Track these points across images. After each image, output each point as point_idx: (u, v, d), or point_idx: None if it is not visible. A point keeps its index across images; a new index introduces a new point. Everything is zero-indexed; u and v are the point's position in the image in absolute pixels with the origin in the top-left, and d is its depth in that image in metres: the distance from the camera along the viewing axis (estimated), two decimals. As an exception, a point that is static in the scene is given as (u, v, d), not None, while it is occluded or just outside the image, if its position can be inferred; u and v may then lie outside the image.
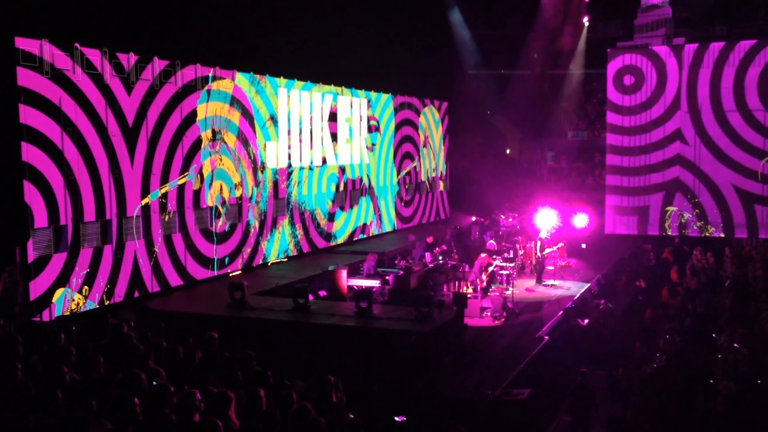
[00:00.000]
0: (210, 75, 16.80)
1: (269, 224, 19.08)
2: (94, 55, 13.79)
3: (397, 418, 6.96)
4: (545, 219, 20.79)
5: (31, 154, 12.61)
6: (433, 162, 28.62)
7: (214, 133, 16.93)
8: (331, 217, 21.86)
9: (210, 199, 16.92)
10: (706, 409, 10.87)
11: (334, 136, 21.87)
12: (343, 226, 22.57)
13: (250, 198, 18.30)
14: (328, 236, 21.71)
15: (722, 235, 23.81)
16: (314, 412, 5.85)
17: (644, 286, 18.93)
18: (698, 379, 11.87)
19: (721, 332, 13.92)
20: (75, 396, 5.72)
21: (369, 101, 23.87)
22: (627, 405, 12.21)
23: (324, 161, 21.45)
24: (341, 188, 22.36)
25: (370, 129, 23.96)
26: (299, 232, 20.33)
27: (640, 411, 11.65)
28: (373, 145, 24.28)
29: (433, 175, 28.70)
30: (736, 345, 12.49)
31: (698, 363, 12.70)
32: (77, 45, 13.44)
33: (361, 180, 23.57)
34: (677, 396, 11.47)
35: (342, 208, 22.45)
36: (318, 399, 6.76)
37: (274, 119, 19.10)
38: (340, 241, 22.32)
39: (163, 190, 15.58)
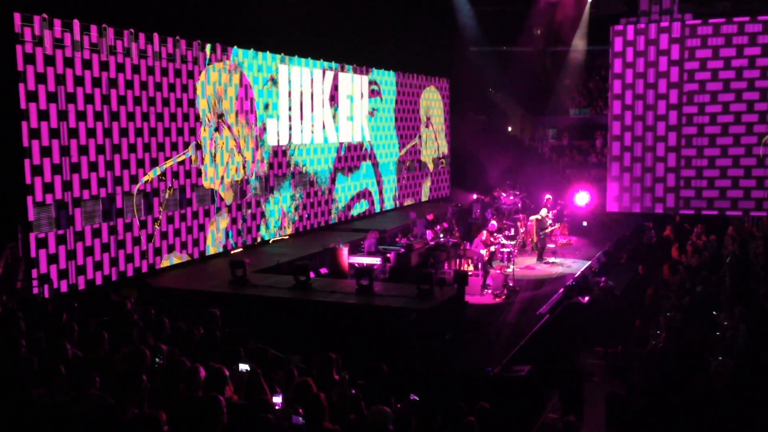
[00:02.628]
0: (208, 50, 16.72)
1: (271, 201, 19.08)
2: (93, 31, 13.71)
3: (412, 397, 7.00)
4: (547, 197, 20.83)
5: (31, 130, 12.59)
6: (435, 139, 28.53)
7: (214, 109, 16.88)
8: (332, 183, 21.81)
9: (211, 175, 16.91)
10: (704, 386, 10.93)
11: (334, 113, 21.80)
12: (343, 192, 22.50)
13: (251, 175, 18.28)
14: (328, 203, 21.68)
15: (716, 213, 23.81)
16: (315, 388, 5.89)
17: (641, 273, 18.75)
18: (697, 357, 11.93)
19: (721, 310, 13.97)
20: (78, 372, 5.76)
21: (370, 76, 23.76)
22: (626, 382, 12.28)
23: (325, 138, 21.39)
24: (342, 153, 22.31)
25: (371, 94, 23.85)
26: (299, 200, 20.31)
27: (638, 388, 11.73)
28: (374, 110, 24.18)
29: (435, 152, 28.64)
30: (726, 323, 12.54)
31: (698, 340, 12.76)
32: (76, 21, 13.36)
33: (362, 145, 23.48)
34: (676, 373, 11.53)
35: (342, 173, 22.43)
36: (318, 375, 6.81)
37: (274, 81, 19.01)
38: (340, 206, 22.31)
39: (164, 167, 15.56)
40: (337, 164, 22.03)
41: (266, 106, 18.71)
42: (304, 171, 20.45)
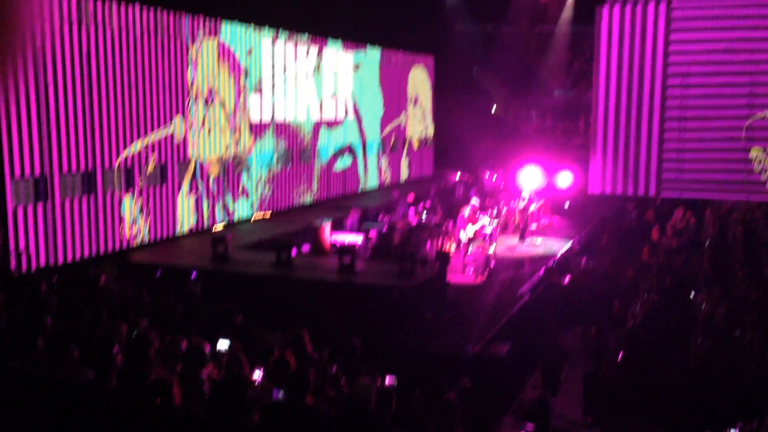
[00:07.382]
0: (187, 23, 16.50)
1: (253, 178, 18.99)
2: (73, 1, 13.47)
3: (387, 379, 6.97)
4: (529, 177, 20.86)
5: (7, 103, 12.37)
6: (420, 118, 28.45)
7: (200, 86, 16.71)
8: (315, 133, 21.70)
9: (194, 150, 16.77)
10: (681, 365, 11.09)
11: (319, 89, 21.65)
12: (326, 145, 22.39)
13: (234, 150, 18.17)
14: (310, 154, 21.58)
15: (698, 196, 23.96)
16: (294, 364, 5.89)
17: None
18: (674, 337, 12.09)
19: (700, 291, 14.14)
20: (56, 345, 5.72)
21: (356, 53, 23.61)
22: (603, 362, 12.42)
23: (308, 115, 21.26)
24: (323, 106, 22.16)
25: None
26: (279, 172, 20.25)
27: (616, 368, 11.87)
28: (359, 64, 24.02)
29: (422, 132, 28.56)
30: (704, 304, 12.70)
31: (675, 321, 12.92)
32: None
33: (345, 101, 23.38)
34: (653, 353, 11.69)
35: (327, 125, 22.33)
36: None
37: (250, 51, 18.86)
38: (324, 163, 22.24)
39: (146, 142, 15.40)
40: (317, 139, 21.93)
41: (246, 74, 18.50)
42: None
